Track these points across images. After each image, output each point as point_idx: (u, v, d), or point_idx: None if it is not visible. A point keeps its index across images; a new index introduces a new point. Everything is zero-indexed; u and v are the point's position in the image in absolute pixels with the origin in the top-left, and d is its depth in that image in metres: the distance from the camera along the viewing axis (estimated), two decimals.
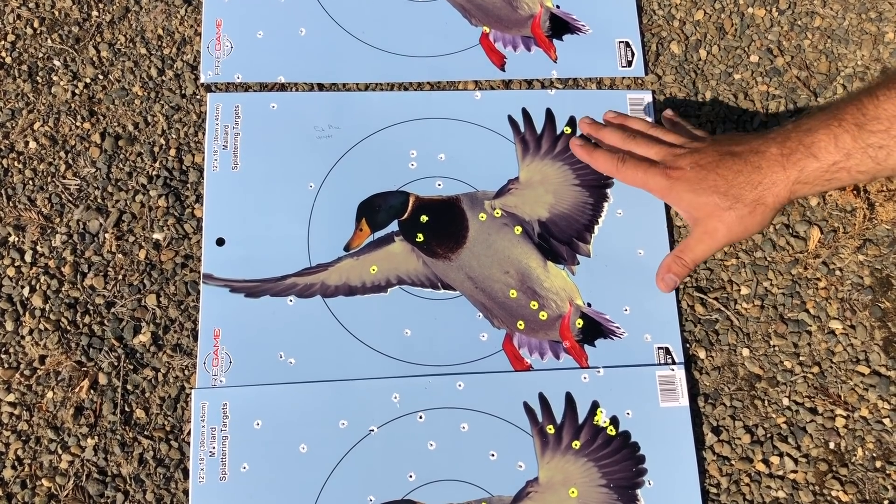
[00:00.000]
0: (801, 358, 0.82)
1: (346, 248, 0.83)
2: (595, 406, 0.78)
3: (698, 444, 0.78)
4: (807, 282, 0.84)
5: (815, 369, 0.81)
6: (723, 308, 0.83)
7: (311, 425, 0.76)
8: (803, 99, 0.91)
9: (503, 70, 0.90)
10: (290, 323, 0.80)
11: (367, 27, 0.90)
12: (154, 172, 0.85)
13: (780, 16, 0.94)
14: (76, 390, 0.78)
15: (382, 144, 0.86)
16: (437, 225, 0.84)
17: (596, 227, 0.85)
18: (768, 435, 0.79)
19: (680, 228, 0.86)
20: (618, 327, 0.81)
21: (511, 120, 0.88)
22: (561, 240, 0.84)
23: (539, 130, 0.88)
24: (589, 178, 0.86)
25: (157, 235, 0.83)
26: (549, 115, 0.88)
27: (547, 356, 0.80)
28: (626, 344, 0.81)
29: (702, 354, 0.82)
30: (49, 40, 0.89)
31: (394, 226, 0.84)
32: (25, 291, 0.80)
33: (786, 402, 0.80)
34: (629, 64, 0.91)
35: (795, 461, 0.78)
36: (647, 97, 0.89)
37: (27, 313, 0.80)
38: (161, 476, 0.76)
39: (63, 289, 0.81)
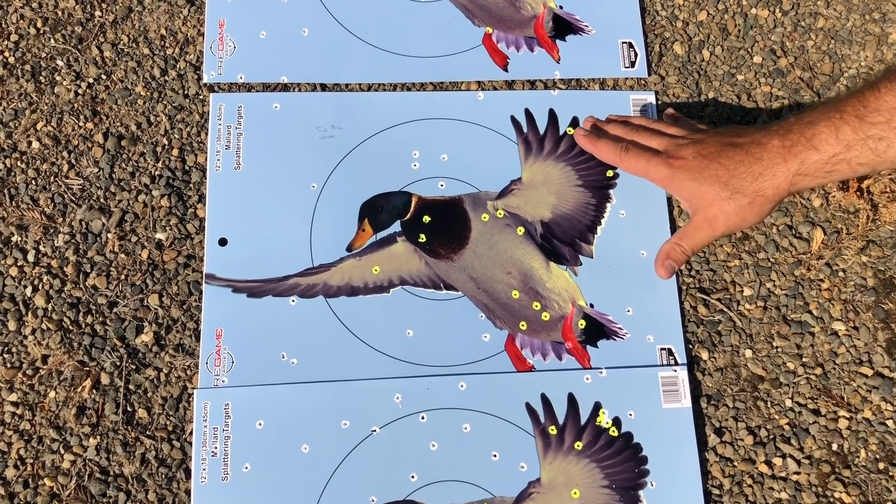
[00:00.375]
0: (804, 359, 0.82)
1: (349, 249, 0.83)
2: (597, 407, 0.78)
3: (701, 445, 0.78)
4: (810, 283, 0.84)
5: (818, 371, 0.81)
6: (726, 309, 0.83)
7: (313, 425, 0.75)
8: (806, 100, 0.90)
9: (506, 70, 0.90)
10: (292, 323, 0.80)
11: (369, 27, 0.90)
12: (157, 172, 0.85)
13: (784, 17, 0.94)
14: (78, 390, 0.78)
15: (385, 145, 0.86)
16: (440, 225, 0.83)
17: (598, 228, 0.85)
18: (771, 436, 0.79)
19: None
20: (620, 328, 0.81)
21: (514, 120, 0.88)
22: (563, 240, 0.84)
23: (542, 131, 0.88)
24: (592, 179, 0.86)
25: (160, 235, 0.83)
26: (552, 116, 0.88)
27: (549, 357, 0.80)
28: (629, 345, 0.81)
29: (704, 355, 0.81)
30: (52, 40, 0.89)
31: (396, 226, 0.84)
32: (28, 291, 0.80)
33: (788, 403, 0.80)
34: (632, 64, 0.91)
35: (798, 462, 0.78)
36: (650, 98, 0.89)
37: (30, 313, 0.80)
38: (163, 476, 0.76)
39: (65, 288, 0.81)
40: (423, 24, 0.91)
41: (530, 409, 0.77)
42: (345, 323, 0.80)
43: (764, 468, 0.78)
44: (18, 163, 0.85)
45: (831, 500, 0.77)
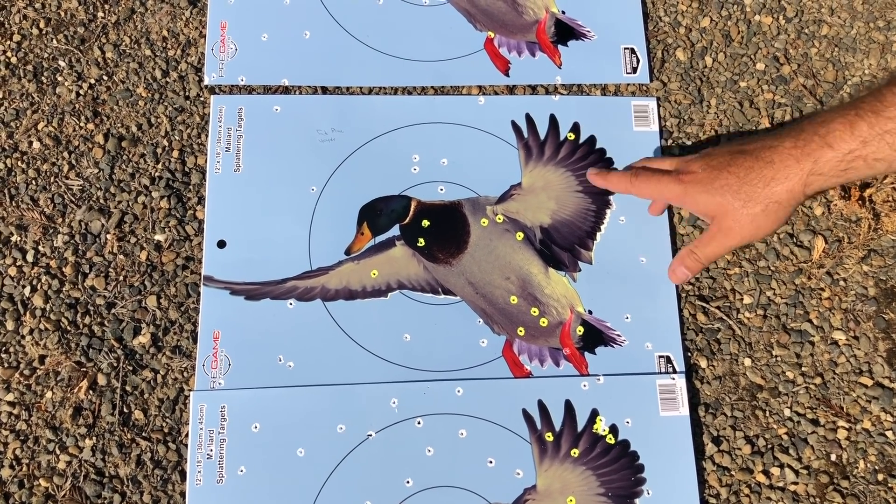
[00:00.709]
0: (803, 368, 0.81)
1: (347, 252, 0.82)
2: (594, 414, 0.77)
3: (698, 453, 0.78)
4: (810, 292, 0.84)
5: (818, 380, 0.81)
6: (725, 317, 0.82)
7: (309, 429, 0.75)
8: (809, 107, 0.90)
9: (507, 75, 0.89)
10: (289, 326, 0.79)
11: (371, 31, 0.90)
12: (157, 174, 0.85)
13: (788, 24, 0.94)
14: (75, 390, 0.78)
15: (385, 148, 0.86)
16: (439, 230, 0.83)
17: (598, 234, 0.84)
18: (769, 446, 0.78)
19: (683, 237, 0.85)
20: (619, 335, 0.81)
21: (514, 125, 0.88)
22: (563, 246, 0.84)
23: (542, 136, 0.87)
24: (592, 185, 0.86)
25: (159, 237, 0.83)
26: (553, 121, 0.88)
27: (547, 363, 0.80)
28: (627, 352, 0.80)
29: (703, 363, 0.81)
30: (54, 41, 0.89)
31: (395, 230, 0.83)
32: (26, 291, 0.81)
33: (787, 412, 0.80)
34: (634, 70, 0.90)
35: (796, 473, 0.78)
36: (652, 104, 0.89)
37: (28, 313, 0.80)
38: (158, 478, 0.76)
39: (64, 289, 0.81)
40: (425, 27, 0.91)
41: (527, 416, 0.77)
42: (342, 327, 0.80)
43: (762, 478, 0.77)
44: (19, 163, 0.85)
45: None
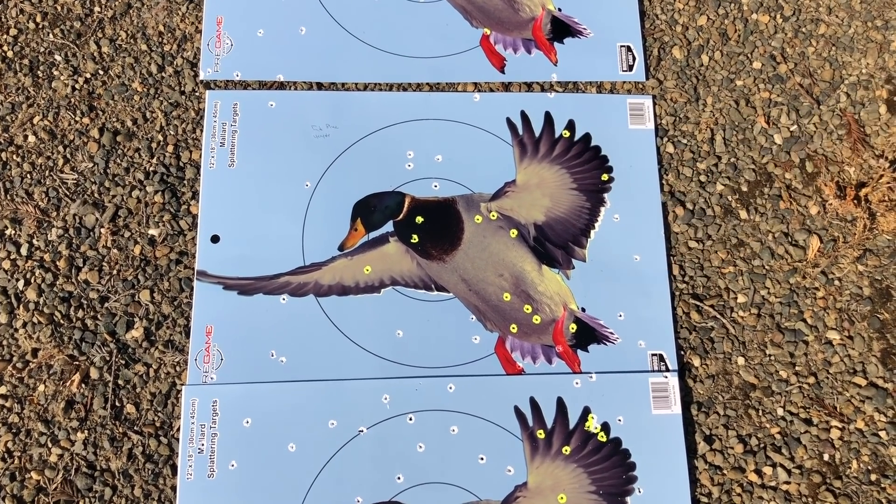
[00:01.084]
0: (796, 368, 0.81)
1: (341, 248, 0.82)
2: (586, 412, 0.77)
3: (690, 452, 0.77)
4: (805, 291, 0.83)
5: (811, 380, 0.80)
6: (719, 316, 0.82)
7: (300, 425, 0.75)
8: (805, 107, 0.90)
9: (503, 72, 0.89)
10: (282, 321, 0.79)
11: (367, 27, 0.90)
12: (151, 168, 0.85)
13: (785, 22, 0.93)
14: (68, 384, 0.78)
15: (380, 144, 0.86)
16: (433, 226, 0.83)
17: (592, 232, 0.84)
18: (762, 445, 0.78)
19: (677, 235, 0.85)
20: (611, 333, 0.81)
21: (509, 122, 0.87)
22: (556, 244, 0.84)
23: (537, 133, 0.87)
24: (586, 183, 0.86)
25: (153, 231, 0.83)
26: (548, 119, 0.88)
27: (539, 360, 0.80)
28: (620, 350, 0.80)
29: (696, 362, 0.81)
30: (51, 35, 0.89)
31: (389, 226, 0.83)
32: (20, 284, 0.81)
33: (780, 412, 0.79)
34: (630, 68, 0.90)
35: (789, 472, 0.77)
36: (648, 102, 0.89)
37: (21, 306, 0.80)
38: (149, 472, 0.76)
39: (57, 282, 0.81)
40: (421, 24, 0.91)
41: (519, 413, 0.77)
42: (335, 322, 0.80)
43: (754, 477, 0.77)
44: (14, 156, 0.85)
45: None
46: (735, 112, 0.89)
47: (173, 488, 0.75)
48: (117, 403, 0.78)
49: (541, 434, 0.76)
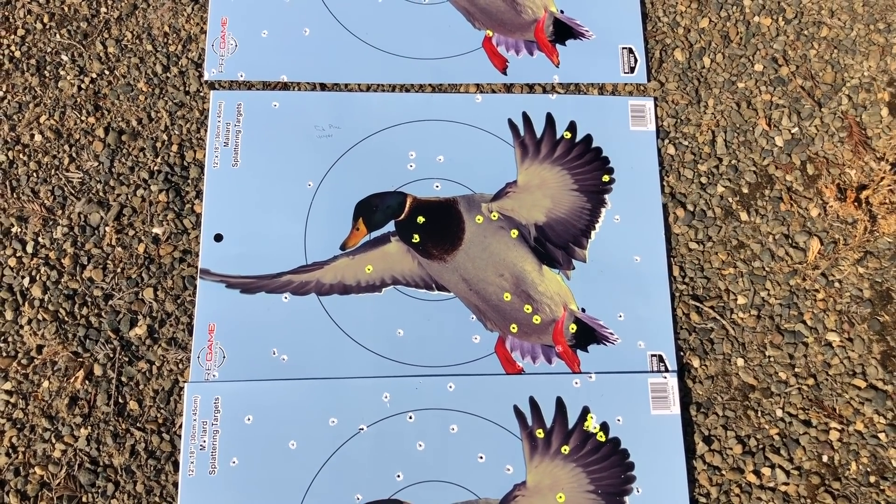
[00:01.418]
0: (796, 369, 0.81)
1: (343, 247, 0.83)
2: (586, 411, 0.77)
3: (689, 452, 0.78)
4: (805, 293, 0.84)
5: (811, 381, 0.81)
6: (718, 317, 0.82)
7: (301, 422, 0.76)
8: (807, 109, 0.90)
9: (505, 74, 0.90)
10: (284, 320, 0.80)
11: (370, 28, 0.91)
12: (156, 168, 0.86)
13: (787, 25, 0.94)
14: (72, 380, 0.79)
15: (382, 145, 0.86)
16: (434, 226, 0.84)
17: (593, 233, 0.85)
18: (760, 446, 0.78)
19: (678, 236, 0.85)
20: (611, 333, 0.81)
21: (511, 123, 0.88)
22: (557, 244, 0.84)
23: (539, 135, 0.88)
24: (587, 184, 0.86)
25: (157, 230, 0.84)
26: (550, 120, 0.88)
27: (539, 360, 0.80)
28: (620, 350, 0.80)
29: (695, 363, 0.81)
30: (58, 35, 0.90)
31: (390, 226, 0.84)
32: (26, 282, 0.82)
33: (779, 413, 0.80)
34: (632, 70, 0.90)
35: (787, 473, 0.77)
36: (649, 104, 0.89)
37: (26, 303, 0.81)
38: (152, 468, 0.76)
39: (62, 280, 0.82)
40: (424, 26, 0.91)
41: (518, 412, 0.77)
42: (336, 321, 0.80)
43: (752, 478, 0.77)
44: (21, 155, 0.86)
45: None
46: (736, 114, 0.90)
47: (175, 484, 0.75)
48: (120, 400, 0.78)
49: (540, 433, 0.76)
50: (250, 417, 0.76)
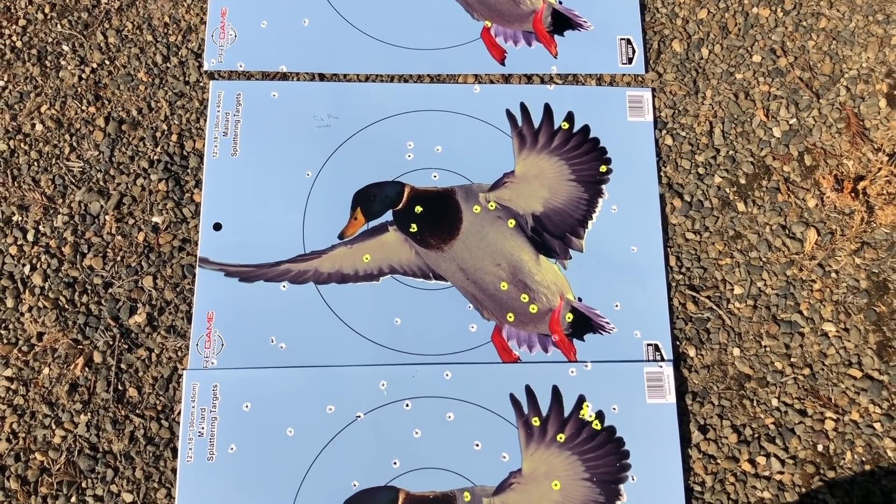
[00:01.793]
0: (792, 359, 0.81)
1: (341, 237, 0.83)
2: (581, 400, 0.78)
3: (684, 441, 0.78)
4: (801, 283, 0.84)
5: (806, 371, 0.81)
6: (715, 307, 0.83)
7: (298, 409, 0.76)
8: (805, 100, 0.90)
9: (503, 64, 0.90)
10: (282, 308, 0.81)
11: (369, 19, 0.91)
12: (155, 157, 0.86)
13: (785, 16, 0.94)
14: (72, 367, 0.79)
15: (380, 135, 0.87)
16: (431, 216, 0.84)
17: (590, 223, 0.85)
18: (756, 435, 0.79)
19: (675, 226, 0.85)
20: (607, 322, 0.81)
21: (509, 114, 0.88)
22: (554, 234, 0.84)
23: (537, 125, 0.88)
24: (585, 174, 0.86)
25: (156, 219, 0.84)
26: (548, 110, 0.88)
27: (535, 349, 0.80)
28: (616, 339, 0.81)
29: (691, 352, 0.81)
30: (59, 25, 0.91)
31: (388, 216, 0.84)
32: (26, 270, 0.82)
33: (775, 402, 0.80)
34: (630, 61, 0.91)
35: (782, 462, 0.78)
36: (647, 94, 0.89)
37: (27, 291, 0.82)
38: (150, 454, 0.77)
39: (63, 268, 0.82)
40: (423, 16, 0.91)
41: (514, 400, 0.77)
42: (334, 309, 0.81)
43: (747, 467, 0.78)
44: (22, 144, 0.86)
45: (815, 500, 0.77)
46: (734, 105, 0.90)
47: (174, 471, 0.76)
48: (120, 387, 0.79)
49: (536, 421, 0.77)
50: (248, 405, 0.77)
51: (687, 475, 0.77)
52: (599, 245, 0.84)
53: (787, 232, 0.85)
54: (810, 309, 0.83)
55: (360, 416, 0.77)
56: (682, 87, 0.90)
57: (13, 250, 0.83)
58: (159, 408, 0.78)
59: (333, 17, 0.91)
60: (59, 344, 0.80)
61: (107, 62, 0.90)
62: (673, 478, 0.76)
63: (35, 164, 0.86)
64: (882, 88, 0.90)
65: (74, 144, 0.86)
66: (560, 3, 0.93)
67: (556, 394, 0.78)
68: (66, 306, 0.81)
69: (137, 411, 0.78)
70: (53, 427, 0.78)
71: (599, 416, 0.77)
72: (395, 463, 0.75)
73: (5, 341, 0.80)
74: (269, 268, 0.82)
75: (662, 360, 0.80)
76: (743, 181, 0.87)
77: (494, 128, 0.88)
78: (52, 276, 0.82)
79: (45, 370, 0.79)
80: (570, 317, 0.81)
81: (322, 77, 0.90)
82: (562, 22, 0.92)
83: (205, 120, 0.87)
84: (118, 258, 0.83)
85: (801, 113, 0.89)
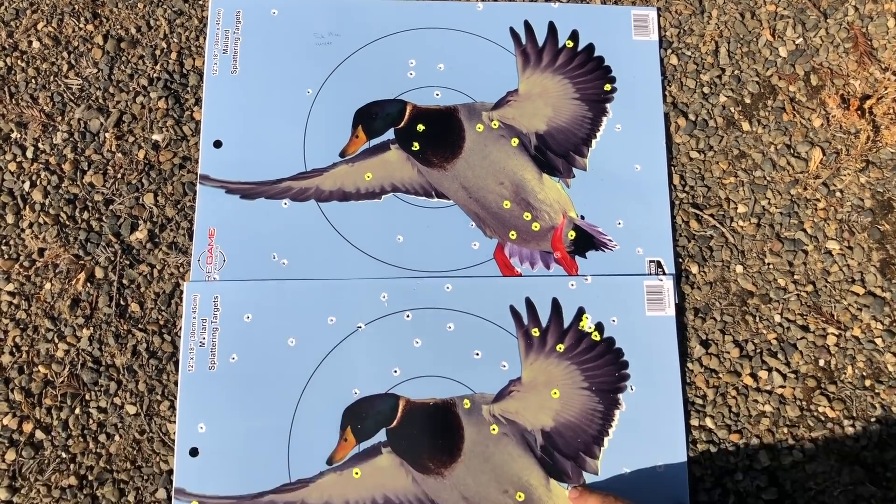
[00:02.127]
0: (795, 276, 0.81)
1: (342, 155, 0.83)
2: (581, 312, 0.78)
3: (686, 356, 0.78)
4: (806, 202, 0.83)
5: (809, 288, 0.81)
6: (718, 225, 0.82)
7: (300, 320, 0.76)
8: (812, 20, 0.89)
9: None
10: (283, 225, 0.80)
11: None
12: (155, 75, 0.85)
13: None
14: (73, 282, 0.80)
15: (382, 53, 0.86)
16: (434, 134, 0.83)
17: (593, 141, 0.84)
18: (758, 350, 0.79)
19: (679, 145, 0.85)
20: (610, 240, 0.81)
21: (513, 32, 0.87)
22: (558, 153, 0.84)
23: (541, 43, 0.87)
24: (589, 93, 0.85)
25: (157, 136, 0.84)
26: (552, 28, 0.87)
27: (537, 266, 0.80)
28: (618, 256, 0.80)
29: (694, 269, 0.81)
30: None
31: (390, 134, 0.84)
32: (26, 186, 0.82)
33: (777, 318, 0.80)
34: None
35: (784, 377, 0.78)
36: (652, 13, 0.88)
37: (27, 207, 0.81)
38: (153, 367, 0.77)
39: (63, 185, 0.82)
40: None
41: (514, 312, 0.77)
42: (336, 227, 0.81)
43: (749, 381, 0.78)
44: (19, 62, 0.86)
45: (815, 414, 0.77)
46: (740, 25, 0.88)
47: (176, 383, 0.76)
48: (122, 302, 0.79)
49: (535, 332, 0.77)
50: (249, 316, 0.77)
51: (688, 389, 0.77)
52: (603, 164, 0.83)
53: (791, 151, 0.85)
54: (814, 227, 0.82)
55: (360, 327, 0.77)
56: (688, 6, 0.89)
57: (12, 167, 0.82)
58: (161, 322, 0.79)
59: None
60: (60, 259, 0.80)
61: None
62: (671, 388, 0.76)
63: (33, 81, 0.85)
64: (891, 8, 0.89)
65: (73, 62, 0.86)
66: None
67: (555, 306, 0.78)
68: (67, 222, 0.81)
69: (140, 326, 0.79)
70: (56, 341, 0.78)
71: (599, 327, 0.77)
72: (395, 371, 0.75)
73: (6, 257, 0.80)
74: (270, 185, 0.82)
75: (664, 275, 0.79)
76: (748, 101, 0.86)
77: (498, 46, 0.87)
78: (53, 192, 0.82)
79: (47, 285, 0.79)
80: (572, 234, 0.81)
81: None
82: None
83: (204, 38, 0.86)
84: (119, 175, 0.83)
85: (807, 33, 0.88)
